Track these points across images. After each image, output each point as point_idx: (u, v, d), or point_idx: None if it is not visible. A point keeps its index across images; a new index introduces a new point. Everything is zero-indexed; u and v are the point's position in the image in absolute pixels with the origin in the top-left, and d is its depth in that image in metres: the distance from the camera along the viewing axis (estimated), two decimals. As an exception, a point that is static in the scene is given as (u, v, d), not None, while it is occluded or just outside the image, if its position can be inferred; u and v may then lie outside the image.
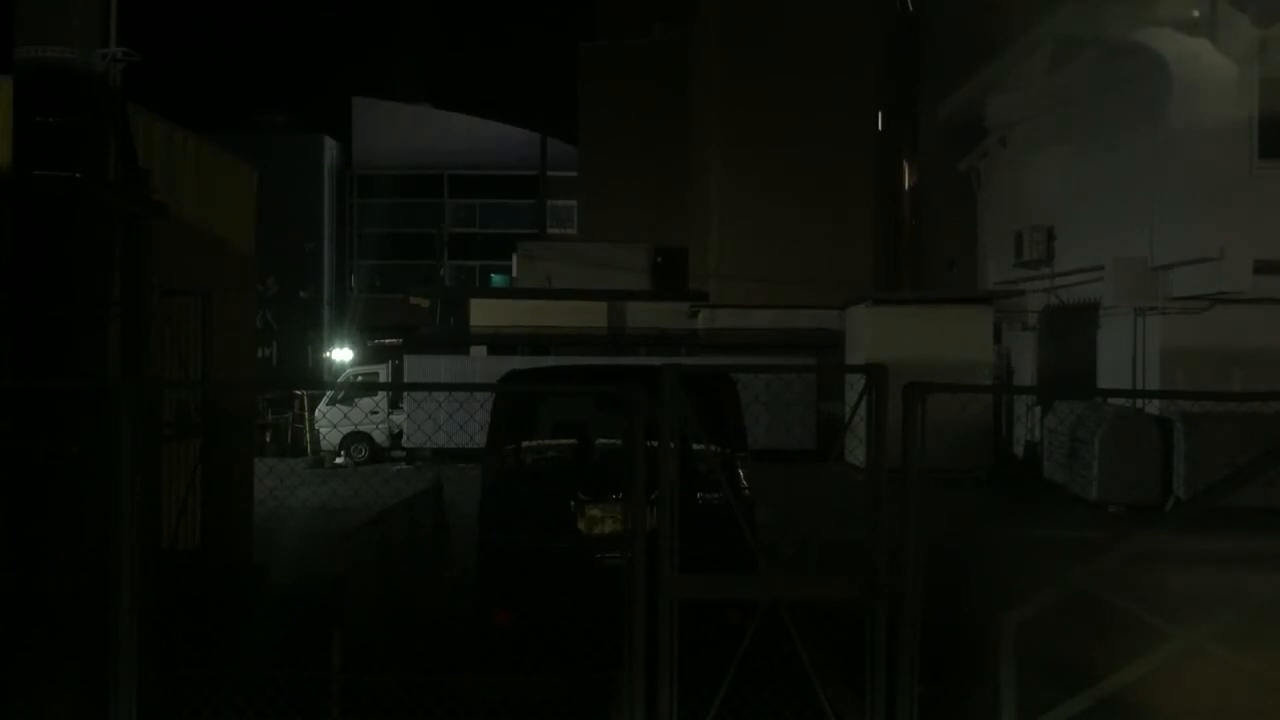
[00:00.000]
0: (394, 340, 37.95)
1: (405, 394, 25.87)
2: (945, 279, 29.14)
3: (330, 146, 62.86)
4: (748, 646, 5.10)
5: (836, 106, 33.21)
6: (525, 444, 9.51)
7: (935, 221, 31.89)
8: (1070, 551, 5.93)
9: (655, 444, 5.05)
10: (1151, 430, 16.14)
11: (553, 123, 59.24)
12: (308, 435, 27.94)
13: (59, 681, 5.34)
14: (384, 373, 29.52)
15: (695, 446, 7.27)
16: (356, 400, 25.98)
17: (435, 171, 61.80)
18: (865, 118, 34.81)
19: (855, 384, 9.45)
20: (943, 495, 6.82)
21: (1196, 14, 16.45)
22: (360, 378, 29.74)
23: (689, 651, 5.07)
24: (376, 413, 26.48)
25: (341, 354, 43.26)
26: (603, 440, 8.95)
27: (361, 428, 26.11)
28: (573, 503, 8.27)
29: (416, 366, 26.87)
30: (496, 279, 54.10)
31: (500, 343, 28.95)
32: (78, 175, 5.43)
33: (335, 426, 25.50)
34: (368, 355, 40.27)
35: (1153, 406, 16.71)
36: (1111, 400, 17.32)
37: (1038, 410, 20.34)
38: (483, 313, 31.36)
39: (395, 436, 26.75)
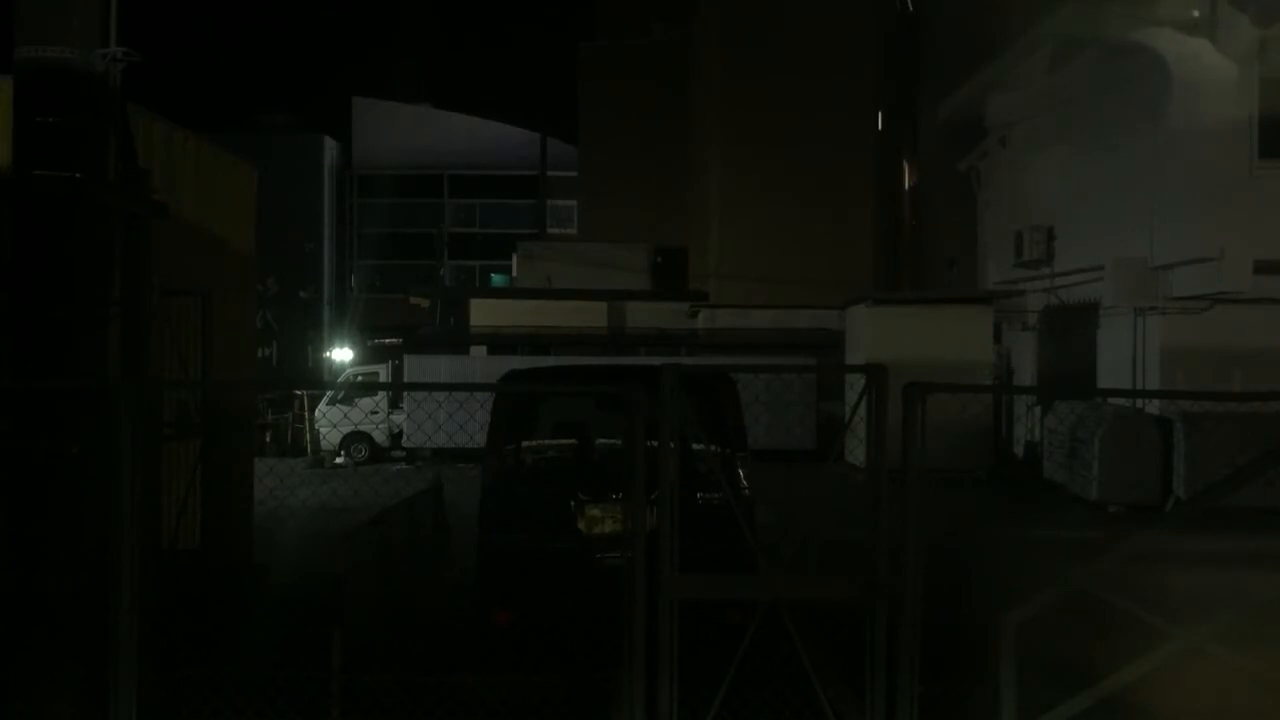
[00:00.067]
0: (394, 340, 37.96)
1: (405, 394, 25.88)
2: (945, 279, 29.13)
3: (330, 146, 62.87)
4: (748, 646, 5.10)
5: (836, 106, 33.22)
6: (525, 444, 9.51)
7: (935, 221, 31.89)
8: (1070, 551, 5.93)
9: (655, 444, 5.05)
10: (1151, 430, 16.14)
11: (553, 123, 59.40)
12: (308, 435, 27.93)
13: (59, 681, 5.34)
14: (384, 373, 29.52)
15: (695, 446, 7.26)
16: (356, 400, 25.99)
17: (435, 171, 61.82)
18: (865, 118, 34.82)
19: (855, 384, 9.46)
20: (943, 495, 6.81)
21: (1196, 14, 16.46)
22: (360, 378, 29.75)
23: (689, 651, 5.07)
24: (376, 413, 26.49)
25: (341, 354, 43.27)
26: (603, 440, 8.95)
27: (361, 428, 26.12)
28: (573, 503, 8.27)
29: (416, 366, 26.87)
30: (496, 279, 54.13)
31: (500, 343, 28.95)
32: (78, 175, 5.42)
33: (335, 426, 25.50)
34: (368, 355, 40.29)
35: (1153, 406, 16.71)
36: (1111, 400, 17.32)
37: (1038, 410, 20.34)
38: (483, 313, 31.36)
39: (395, 436, 26.76)
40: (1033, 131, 22.83)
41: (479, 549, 8.47)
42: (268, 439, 26.78)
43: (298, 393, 29.81)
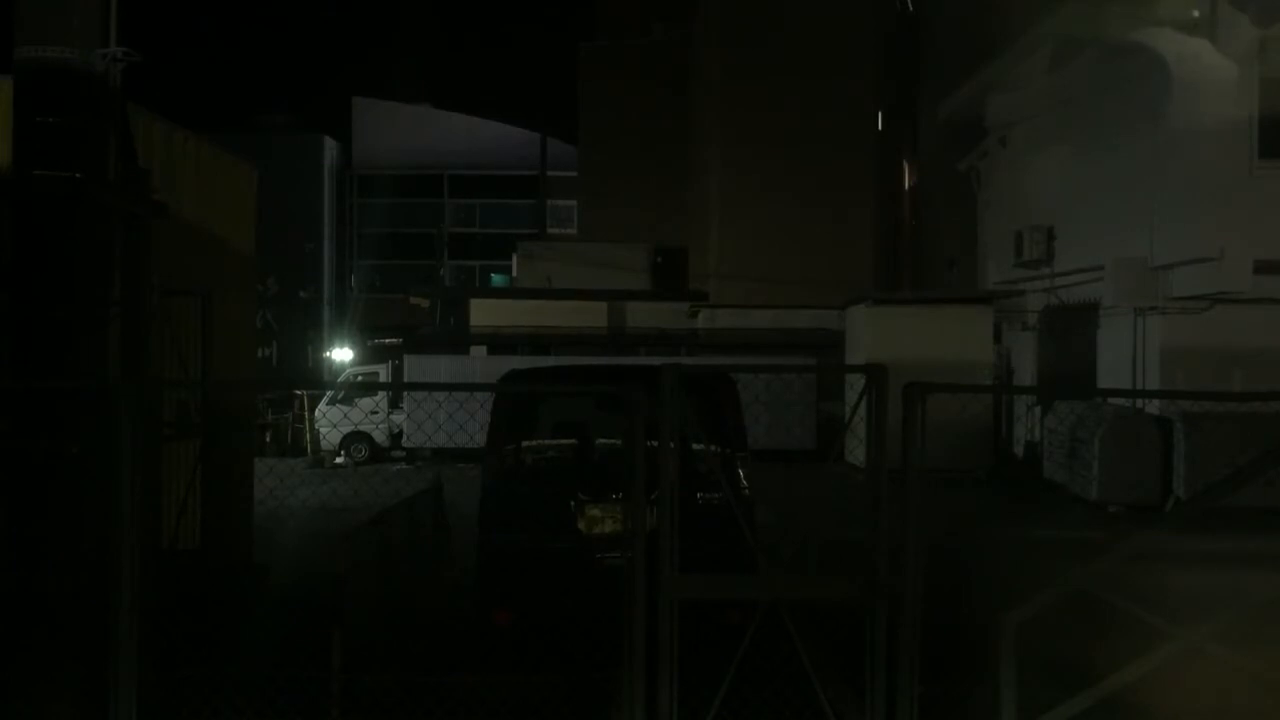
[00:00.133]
0: (394, 340, 37.96)
1: (405, 394, 25.88)
2: (945, 279, 29.13)
3: (330, 146, 62.87)
4: (748, 646, 5.10)
5: (836, 106, 33.22)
6: (525, 444, 9.51)
7: (935, 221, 31.89)
8: (1070, 551, 5.93)
9: (655, 444, 5.05)
10: (1151, 430, 16.14)
11: (553, 123, 59.41)
12: (308, 435, 27.93)
13: (59, 681, 5.34)
14: (384, 373, 29.52)
15: (695, 446, 7.26)
16: (356, 400, 25.99)
17: (435, 171, 61.83)
18: (865, 118, 34.83)
19: (855, 384, 9.46)
20: (943, 495, 6.81)
21: (1196, 14, 16.46)
22: (360, 378, 29.75)
23: (689, 651, 5.07)
24: (376, 413, 26.49)
25: (341, 354, 43.27)
26: (603, 440, 8.95)
27: (361, 428, 26.12)
28: (573, 503, 8.27)
29: (416, 366, 26.87)
30: (496, 279, 54.13)
31: (500, 343, 28.95)
32: (78, 175, 5.42)
33: (335, 426, 25.50)
34: (368, 355, 40.29)
35: (1153, 406, 16.70)
36: (1111, 400, 17.32)
37: (1038, 410, 20.34)
38: (483, 313, 31.36)
39: (395, 436, 26.76)
40: (1033, 131, 22.83)
41: (479, 549, 8.46)
42: (268, 439, 26.78)
43: (298, 393, 29.81)
